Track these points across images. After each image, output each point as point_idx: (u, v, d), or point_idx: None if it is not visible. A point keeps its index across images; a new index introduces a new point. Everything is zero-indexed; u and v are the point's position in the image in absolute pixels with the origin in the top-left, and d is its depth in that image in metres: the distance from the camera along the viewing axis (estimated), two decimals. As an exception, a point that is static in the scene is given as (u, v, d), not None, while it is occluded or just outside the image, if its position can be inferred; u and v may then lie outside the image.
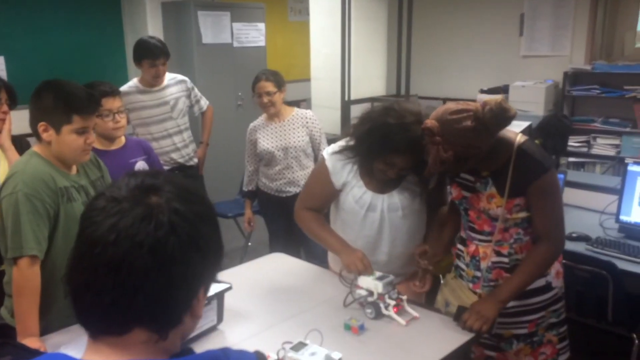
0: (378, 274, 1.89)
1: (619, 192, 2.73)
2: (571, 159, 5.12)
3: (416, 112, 1.89)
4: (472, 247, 1.93)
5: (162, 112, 3.40)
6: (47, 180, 1.77)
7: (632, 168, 2.67)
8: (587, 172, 4.93)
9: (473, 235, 1.92)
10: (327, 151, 2.12)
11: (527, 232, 1.84)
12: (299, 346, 1.54)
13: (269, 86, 3.06)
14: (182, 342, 0.80)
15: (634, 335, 2.42)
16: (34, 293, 1.72)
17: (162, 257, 0.71)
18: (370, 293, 1.86)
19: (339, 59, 4.30)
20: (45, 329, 1.75)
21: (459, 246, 2.01)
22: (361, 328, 1.78)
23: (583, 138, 5.01)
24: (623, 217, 2.67)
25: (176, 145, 3.48)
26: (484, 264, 1.89)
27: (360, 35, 4.35)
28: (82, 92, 1.81)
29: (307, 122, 3.15)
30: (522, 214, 1.81)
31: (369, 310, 1.85)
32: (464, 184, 1.90)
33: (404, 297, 1.86)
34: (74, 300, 0.75)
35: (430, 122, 1.70)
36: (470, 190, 1.87)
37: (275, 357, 1.55)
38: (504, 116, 1.64)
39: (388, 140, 1.86)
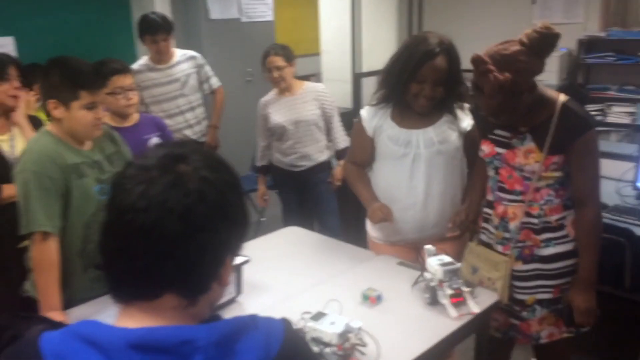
0: (446, 259, 1.77)
1: (636, 159, 2.70)
2: (586, 128, 5.05)
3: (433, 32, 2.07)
4: (500, 209, 1.92)
5: (173, 89, 3.37)
6: (54, 157, 1.79)
7: (650, 134, 2.63)
8: (602, 141, 4.86)
9: (502, 195, 1.91)
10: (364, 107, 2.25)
11: (558, 194, 1.84)
12: (318, 316, 1.55)
13: (279, 61, 3.04)
14: (210, 310, 0.81)
15: (652, 302, 2.41)
16: (51, 268, 1.75)
17: (192, 224, 0.72)
18: (433, 278, 1.76)
19: (349, 32, 4.25)
20: (68, 303, 1.79)
21: (486, 210, 1.99)
22: (379, 298, 1.79)
23: (598, 106, 4.94)
24: (640, 184, 2.64)
25: (189, 122, 3.47)
26: (512, 225, 1.88)
27: (370, 6, 4.29)
28: (87, 67, 1.81)
29: (318, 96, 3.13)
30: (557, 174, 1.81)
31: (426, 295, 1.76)
32: (498, 140, 1.89)
33: (469, 290, 1.73)
34: (107, 266, 0.76)
35: (478, 54, 1.73)
36: (505, 146, 1.87)
37: (295, 327, 1.56)
38: (549, 34, 1.68)
39: (412, 56, 1.97)
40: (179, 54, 3.43)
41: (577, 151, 1.78)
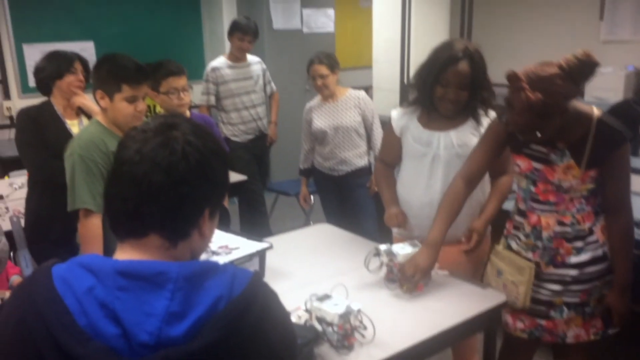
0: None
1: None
2: (650, 149, 4.84)
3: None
4: (533, 218, 1.96)
5: (248, 85, 3.98)
6: (98, 143, 2.03)
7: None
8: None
9: (535, 205, 1.95)
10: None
11: (589, 202, 1.90)
12: (324, 297, 1.67)
13: (323, 69, 3.20)
14: (191, 257, 0.96)
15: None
16: (95, 241, 1.98)
17: (174, 177, 0.89)
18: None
19: (399, 43, 4.35)
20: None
21: (517, 218, 2.03)
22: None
23: (664, 127, 4.72)
24: (682, 202, 2.56)
25: (257, 116, 4.08)
26: (546, 234, 1.93)
27: (420, 18, 4.35)
28: (131, 64, 2.04)
29: (359, 102, 3.26)
30: (590, 186, 1.87)
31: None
32: (535, 155, 1.92)
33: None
34: (107, 208, 0.94)
35: (514, 70, 1.77)
36: (542, 162, 1.90)
37: (304, 308, 1.68)
38: (588, 62, 1.70)
39: (437, 61, 2.08)
40: (249, 57, 4.05)
41: (613, 162, 1.82)
